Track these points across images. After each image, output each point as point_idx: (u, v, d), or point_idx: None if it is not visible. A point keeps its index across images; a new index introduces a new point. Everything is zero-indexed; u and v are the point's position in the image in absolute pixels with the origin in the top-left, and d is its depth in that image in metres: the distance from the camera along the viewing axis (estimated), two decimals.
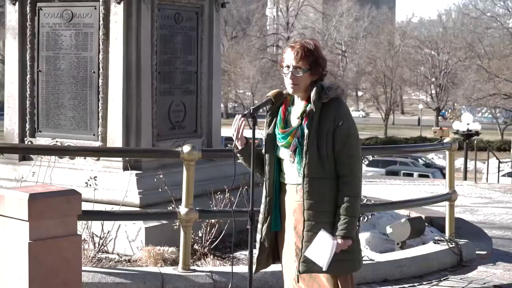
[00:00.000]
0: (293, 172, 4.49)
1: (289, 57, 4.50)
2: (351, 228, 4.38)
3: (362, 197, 7.66)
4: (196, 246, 7.49)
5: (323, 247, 4.35)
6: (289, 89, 4.51)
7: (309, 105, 4.45)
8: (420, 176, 31.33)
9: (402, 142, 52.81)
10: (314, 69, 4.47)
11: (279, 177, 4.57)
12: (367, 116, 78.15)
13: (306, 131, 4.41)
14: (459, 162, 32.74)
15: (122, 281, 6.47)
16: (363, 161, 7.64)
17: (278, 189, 4.57)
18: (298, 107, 4.54)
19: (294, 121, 4.52)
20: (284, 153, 4.53)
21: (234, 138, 4.56)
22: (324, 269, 4.37)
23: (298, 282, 4.52)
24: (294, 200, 4.49)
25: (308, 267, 4.42)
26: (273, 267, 4.81)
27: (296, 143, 4.45)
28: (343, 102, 4.51)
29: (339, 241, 4.36)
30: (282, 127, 4.53)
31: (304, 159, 4.40)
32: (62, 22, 8.34)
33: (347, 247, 4.39)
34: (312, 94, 4.45)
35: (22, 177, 7.85)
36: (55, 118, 8.47)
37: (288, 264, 4.59)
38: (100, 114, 8.16)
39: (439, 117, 62.39)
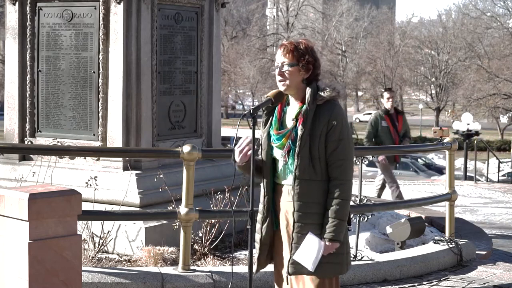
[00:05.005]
0: (286, 173, 4.50)
1: (278, 55, 4.52)
2: (339, 231, 4.38)
3: (362, 197, 7.68)
4: (196, 246, 7.49)
5: (310, 249, 4.36)
6: (279, 86, 4.51)
7: (304, 106, 4.45)
8: None
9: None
10: (302, 65, 4.45)
11: (273, 177, 4.58)
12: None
13: (299, 132, 4.41)
14: (459, 162, 32.73)
15: (122, 281, 6.47)
16: (363, 161, 7.67)
17: (273, 189, 4.58)
18: (293, 108, 4.54)
19: (289, 122, 4.53)
20: (278, 154, 4.53)
21: (237, 153, 4.49)
22: (311, 271, 4.38)
23: (288, 283, 4.54)
24: (287, 201, 4.50)
25: (297, 268, 4.43)
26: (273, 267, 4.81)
27: (290, 145, 4.45)
28: (338, 104, 4.50)
29: (327, 243, 4.36)
30: (277, 128, 4.54)
31: (295, 160, 4.41)
32: (62, 22, 8.34)
33: (335, 250, 4.40)
34: (307, 95, 4.45)
35: (22, 177, 7.86)
36: (55, 118, 8.47)
37: (279, 264, 4.60)
38: (100, 114, 8.16)
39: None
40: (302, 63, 4.45)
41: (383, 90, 12.73)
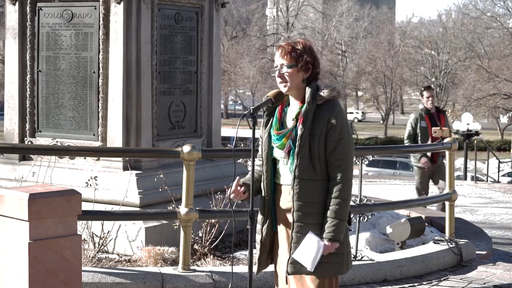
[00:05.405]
0: (287, 173, 4.49)
1: (277, 57, 4.53)
2: (339, 231, 4.38)
3: (362, 197, 7.68)
4: (196, 246, 7.49)
5: (309, 249, 4.35)
6: (281, 88, 4.52)
7: (304, 106, 4.45)
8: None
9: (402, 142, 52.70)
10: (301, 65, 4.45)
11: (274, 177, 4.57)
12: (364, 119, 76.94)
13: (299, 132, 4.41)
14: (459, 162, 32.71)
15: (122, 281, 6.47)
16: (363, 161, 7.66)
17: (273, 190, 4.57)
18: (294, 108, 4.54)
19: (290, 122, 4.52)
20: (279, 154, 4.53)
21: (232, 197, 4.56)
22: (310, 270, 4.38)
23: (286, 283, 4.54)
24: (287, 201, 4.50)
25: (296, 268, 4.43)
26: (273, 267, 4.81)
27: (290, 144, 4.45)
28: (338, 104, 4.49)
29: (326, 243, 4.36)
30: (278, 128, 4.53)
31: (295, 160, 4.41)
32: (62, 22, 8.34)
33: (334, 250, 4.40)
34: (307, 95, 4.45)
35: (22, 177, 7.85)
36: (55, 118, 8.47)
37: (280, 264, 4.61)
38: (100, 114, 8.16)
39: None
40: (300, 64, 4.45)
41: (422, 89, 11.65)
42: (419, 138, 11.11)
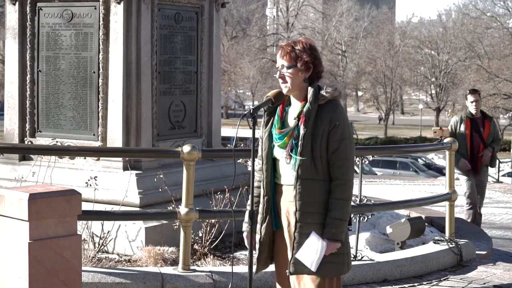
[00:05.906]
0: (288, 173, 4.49)
1: (278, 58, 4.54)
2: (340, 231, 4.38)
3: (362, 197, 7.68)
4: (196, 246, 7.49)
5: (312, 249, 4.36)
6: (282, 88, 4.52)
7: (306, 105, 4.45)
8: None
9: (402, 142, 52.80)
10: (302, 65, 4.45)
11: (274, 177, 4.57)
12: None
13: (301, 131, 4.41)
14: None
15: (122, 281, 6.47)
16: (363, 161, 7.67)
17: (273, 190, 4.57)
18: (295, 107, 4.54)
19: (291, 121, 4.53)
20: (280, 154, 4.53)
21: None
22: (313, 270, 4.38)
23: (287, 282, 4.54)
24: (288, 201, 4.50)
25: (298, 268, 4.43)
26: (274, 267, 4.81)
27: (292, 143, 4.45)
28: (339, 104, 4.50)
29: (328, 243, 4.36)
30: (279, 127, 4.53)
31: (297, 160, 4.40)
32: (62, 22, 8.34)
33: (336, 250, 4.40)
34: (309, 95, 4.45)
35: (22, 177, 7.85)
36: (55, 118, 8.47)
37: (280, 264, 4.61)
38: (100, 114, 8.16)
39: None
40: (300, 64, 4.45)
41: (467, 92, 10.52)
42: (459, 144, 9.20)
